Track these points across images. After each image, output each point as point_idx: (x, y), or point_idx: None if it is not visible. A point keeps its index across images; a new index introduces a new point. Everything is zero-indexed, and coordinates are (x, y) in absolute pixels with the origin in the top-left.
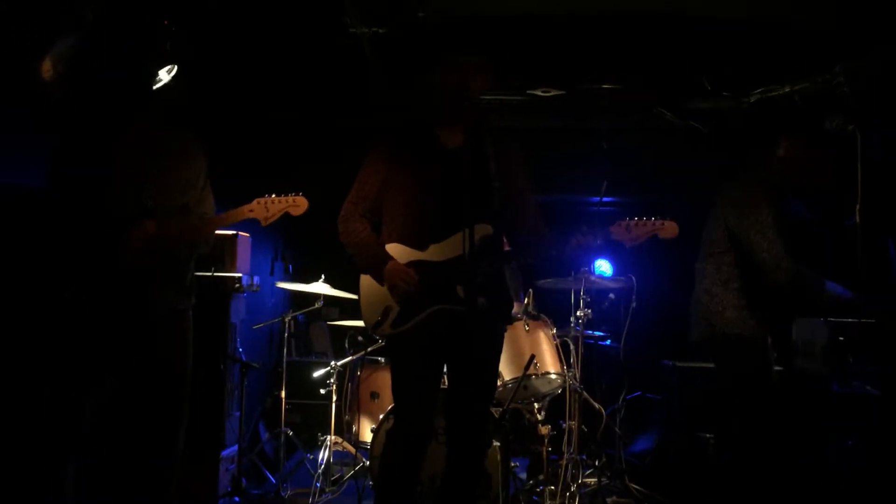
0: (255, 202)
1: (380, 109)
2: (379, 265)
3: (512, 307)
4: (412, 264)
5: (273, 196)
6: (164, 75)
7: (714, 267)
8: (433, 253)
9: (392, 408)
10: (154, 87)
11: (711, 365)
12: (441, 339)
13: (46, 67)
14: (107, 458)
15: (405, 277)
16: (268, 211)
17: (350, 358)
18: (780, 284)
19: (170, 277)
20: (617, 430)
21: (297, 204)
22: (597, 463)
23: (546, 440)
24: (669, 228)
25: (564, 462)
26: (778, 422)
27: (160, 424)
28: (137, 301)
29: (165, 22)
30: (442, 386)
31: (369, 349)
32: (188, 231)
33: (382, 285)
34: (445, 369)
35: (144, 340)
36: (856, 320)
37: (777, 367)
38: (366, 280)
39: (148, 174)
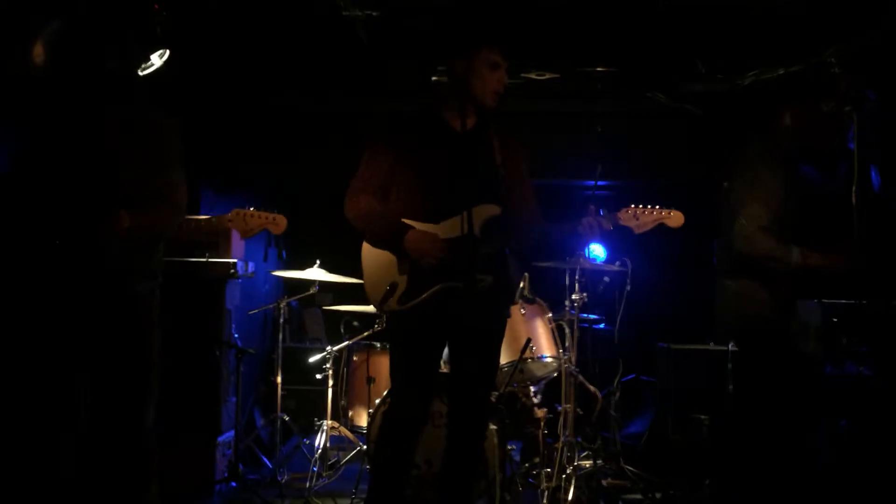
0: (233, 212)
1: (374, 93)
2: (398, 234)
3: (516, 289)
4: None
5: (252, 210)
6: (157, 60)
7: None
8: (441, 230)
9: (388, 391)
10: (145, 72)
11: (706, 347)
12: (446, 317)
13: (38, 52)
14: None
15: (433, 241)
16: (246, 224)
17: (346, 343)
18: (744, 252)
19: (136, 262)
20: (612, 412)
21: (277, 223)
22: (592, 445)
23: (542, 423)
24: (676, 218)
25: (560, 445)
26: (770, 403)
27: (124, 407)
28: (102, 285)
29: (156, 6)
30: (443, 371)
31: (365, 334)
32: (161, 225)
33: (398, 256)
34: (447, 353)
35: (110, 324)
36: (850, 301)
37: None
38: (369, 257)
39: (124, 159)
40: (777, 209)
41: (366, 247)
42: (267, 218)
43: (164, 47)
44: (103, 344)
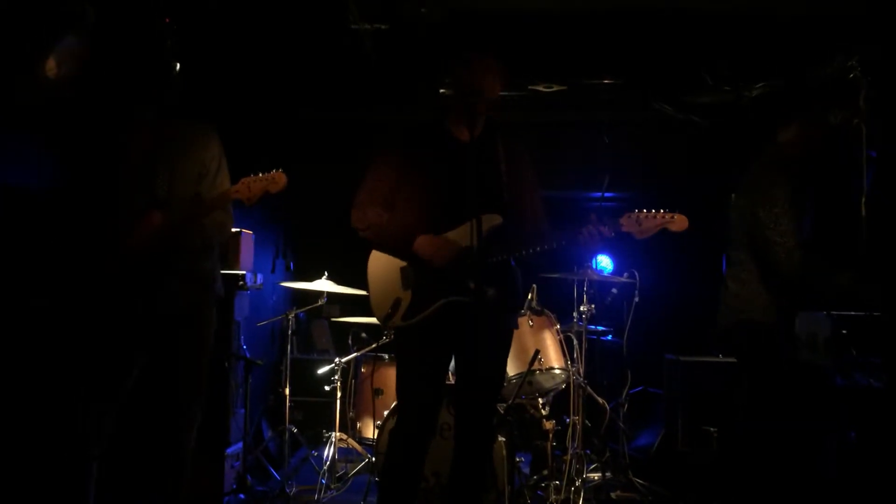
0: (240, 183)
1: (382, 105)
2: (407, 242)
3: (522, 299)
4: None
5: (252, 175)
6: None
7: (742, 253)
8: None
9: (395, 405)
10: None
11: (715, 359)
12: (450, 332)
13: (50, 66)
14: (121, 452)
15: (441, 245)
16: (250, 191)
17: (354, 355)
18: (789, 275)
19: (182, 269)
20: (621, 424)
21: (276, 180)
22: (601, 458)
23: (550, 435)
24: (679, 222)
25: (568, 457)
26: (780, 415)
27: (171, 420)
28: (148, 294)
29: (167, 20)
30: (449, 382)
31: (373, 346)
32: (192, 216)
33: (409, 262)
34: (453, 364)
35: (159, 332)
36: (860, 313)
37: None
38: (375, 272)
39: (158, 165)
40: (801, 223)
41: (371, 263)
42: (266, 179)
43: (175, 60)
44: (157, 354)
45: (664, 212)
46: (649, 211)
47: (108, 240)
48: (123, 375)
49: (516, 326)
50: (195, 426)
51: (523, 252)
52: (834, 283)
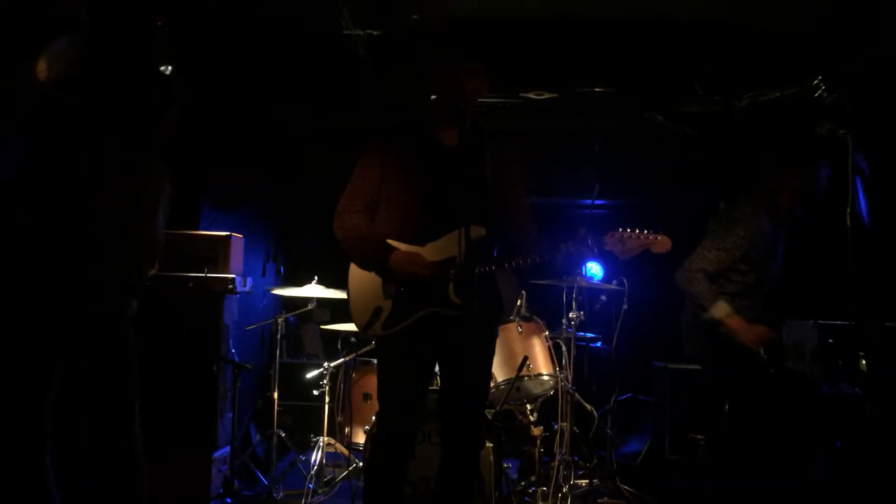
0: None
1: (373, 110)
2: (383, 257)
3: (503, 311)
4: None
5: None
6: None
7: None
8: (427, 252)
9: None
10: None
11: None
12: (432, 342)
13: (41, 68)
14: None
15: (419, 261)
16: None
17: (343, 359)
18: (678, 284)
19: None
20: (608, 431)
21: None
22: (588, 464)
23: (538, 441)
24: (663, 243)
25: (556, 463)
26: (767, 424)
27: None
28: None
29: (160, 23)
30: (435, 387)
31: (362, 350)
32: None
33: (384, 278)
34: (437, 370)
35: (88, 334)
36: (845, 322)
37: (770, 370)
38: (355, 280)
39: (130, 178)
40: (732, 265)
41: (352, 271)
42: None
43: (168, 63)
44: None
45: (648, 232)
46: (633, 230)
47: (68, 245)
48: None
49: (496, 334)
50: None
51: (505, 265)
52: (706, 312)
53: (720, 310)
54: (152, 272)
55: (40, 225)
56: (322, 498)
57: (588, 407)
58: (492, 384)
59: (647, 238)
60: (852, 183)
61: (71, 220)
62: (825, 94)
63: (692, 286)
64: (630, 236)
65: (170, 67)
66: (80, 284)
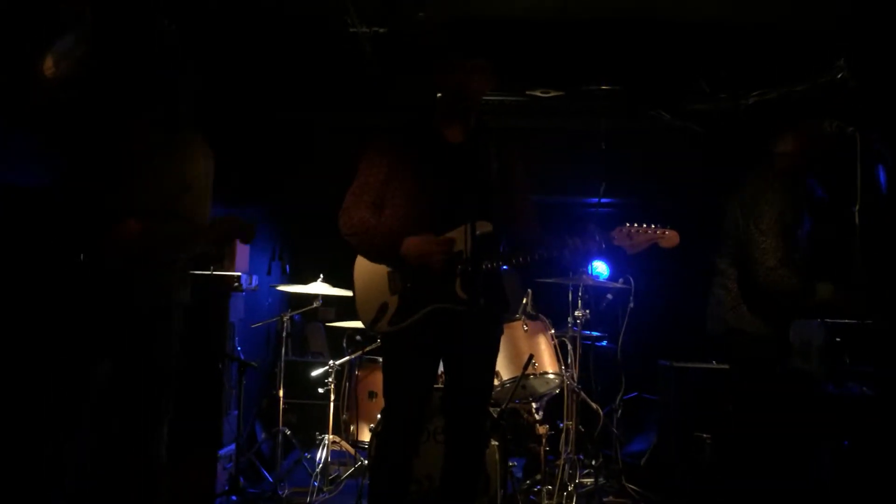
0: (218, 222)
1: (379, 109)
2: (394, 246)
3: (508, 307)
4: None
5: (230, 218)
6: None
7: (729, 262)
8: None
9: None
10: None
11: (708, 365)
12: (437, 338)
13: (48, 65)
14: (99, 443)
15: (431, 240)
16: (219, 234)
17: (348, 357)
18: (766, 293)
19: (154, 274)
20: (614, 430)
21: (247, 233)
22: (594, 463)
23: (544, 440)
24: (671, 238)
25: (562, 462)
26: (773, 423)
27: (140, 418)
28: (122, 294)
29: (165, 21)
30: (439, 385)
31: (367, 349)
32: (173, 240)
33: (395, 268)
34: (442, 368)
35: (130, 332)
36: (853, 321)
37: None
38: (361, 277)
39: (143, 174)
40: (787, 239)
41: (358, 267)
42: (237, 226)
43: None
44: (128, 353)
45: (656, 227)
46: (640, 225)
47: (82, 242)
48: (84, 388)
49: (502, 331)
50: (164, 423)
51: (512, 261)
52: (813, 299)
53: (825, 291)
54: (198, 252)
55: (78, 226)
56: (327, 496)
57: (594, 405)
58: (497, 382)
59: (656, 233)
60: (874, 173)
61: (107, 218)
62: (848, 81)
63: (784, 286)
64: (638, 231)
65: (174, 41)
66: (122, 280)
